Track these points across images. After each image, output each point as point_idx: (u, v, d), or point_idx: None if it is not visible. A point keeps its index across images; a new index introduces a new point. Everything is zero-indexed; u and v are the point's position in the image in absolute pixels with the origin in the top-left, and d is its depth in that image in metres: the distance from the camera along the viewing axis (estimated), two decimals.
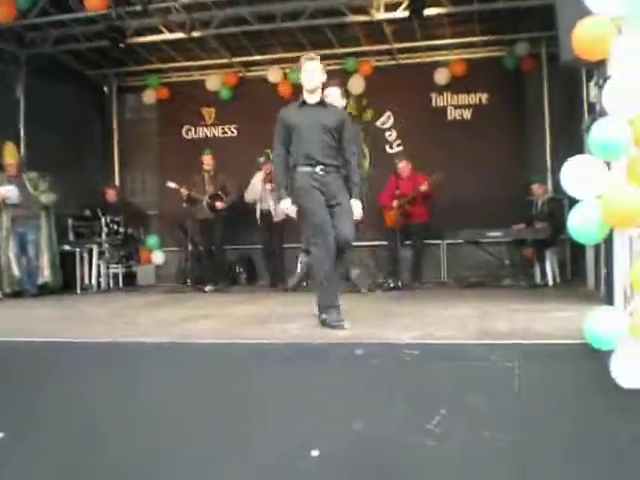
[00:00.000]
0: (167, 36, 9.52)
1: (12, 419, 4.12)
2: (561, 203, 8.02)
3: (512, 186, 9.20)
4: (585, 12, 3.46)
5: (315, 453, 3.67)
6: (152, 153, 11.31)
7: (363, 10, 8.77)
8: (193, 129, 11.15)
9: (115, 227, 9.68)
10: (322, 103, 4.92)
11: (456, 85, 10.11)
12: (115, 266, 9.80)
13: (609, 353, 3.35)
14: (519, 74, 9.88)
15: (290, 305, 6.42)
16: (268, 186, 8.97)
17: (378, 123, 10.41)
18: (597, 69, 4.07)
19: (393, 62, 10.33)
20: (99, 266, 9.44)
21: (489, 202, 9.03)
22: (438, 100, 10.29)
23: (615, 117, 3.34)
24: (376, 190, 8.39)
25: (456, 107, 10.21)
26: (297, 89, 9.61)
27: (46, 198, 8.28)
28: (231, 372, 3.92)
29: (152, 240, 10.73)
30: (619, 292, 3.52)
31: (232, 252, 10.09)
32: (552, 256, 8.28)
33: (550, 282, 8.12)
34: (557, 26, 4.23)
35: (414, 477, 3.64)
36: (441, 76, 10.08)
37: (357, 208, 4.92)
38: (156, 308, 6.73)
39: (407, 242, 8.92)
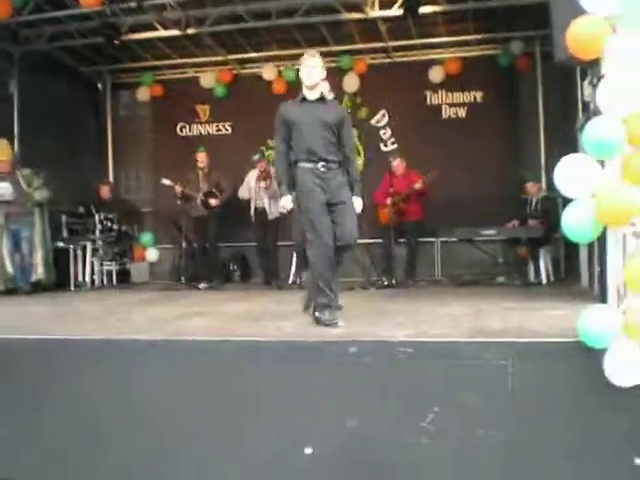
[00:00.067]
0: (162, 33, 9.49)
1: (5, 417, 4.12)
2: (555, 202, 8.02)
3: (506, 184, 9.21)
4: (579, 11, 3.47)
5: (308, 451, 3.67)
6: (146, 150, 11.28)
7: (358, 8, 8.76)
8: (187, 126, 11.11)
9: (109, 224, 9.66)
10: (322, 99, 4.90)
11: (451, 83, 10.10)
12: (109, 263, 9.77)
13: (602, 351, 3.36)
14: (513, 72, 9.88)
15: (284, 303, 6.42)
16: (262, 184, 8.97)
17: (373, 121, 10.40)
18: (591, 68, 4.07)
19: (388, 60, 10.33)
20: (93, 263, 9.42)
21: (483, 200, 9.03)
22: (433, 98, 10.28)
23: (609, 116, 3.35)
24: (370, 188, 8.39)
25: (451, 105, 10.21)
26: (291, 87, 9.70)
27: (40, 195, 8.25)
28: (225, 370, 3.93)
29: (146, 237, 10.70)
30: (612, 290, 3.53)
31: (226, 249, 10.07)
32: (546, 254, 8.29)
33: (544, 280, 8.13)
34: (551, 25, 4.23)
35: (408, 475, 3.65)
36: (436, 74, 10.08)
37: (358, 204, 4.93)
38: (150, 305, 6.72)
39: (401, 240, 8.92)
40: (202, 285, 8.92)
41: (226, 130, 10.99)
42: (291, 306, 5.77)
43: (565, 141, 7.92)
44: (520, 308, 5.36)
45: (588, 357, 3.42)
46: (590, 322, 3.37)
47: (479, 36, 9.76)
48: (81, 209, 9.63)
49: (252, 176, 9.20)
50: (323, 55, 4.98)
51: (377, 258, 9.24)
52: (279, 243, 9.15)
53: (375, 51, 10.29)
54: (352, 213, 4.82)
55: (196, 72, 11.00)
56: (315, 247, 4.67)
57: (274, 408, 3.80)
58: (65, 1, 8.55)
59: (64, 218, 9.26)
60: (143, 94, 11.09)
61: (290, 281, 8.95)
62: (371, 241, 9.03)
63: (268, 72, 10.49)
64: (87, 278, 9.28)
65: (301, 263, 8.52)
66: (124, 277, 10.10)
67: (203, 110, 11.05)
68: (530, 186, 8.62)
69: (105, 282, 9.68)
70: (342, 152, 4.88)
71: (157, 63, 10.86)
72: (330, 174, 4.76)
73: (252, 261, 10.20)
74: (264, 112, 9.68)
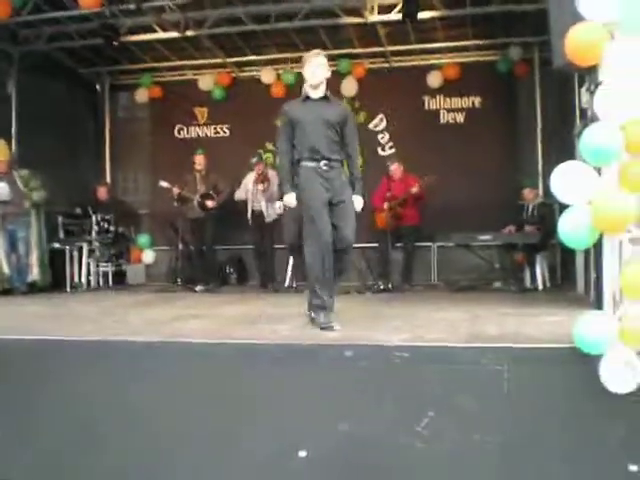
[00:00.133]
0: (161, 35, 9.49)
1: (0, 417, 4.11)
2: (552, 208, 8.03)
3: (503, 190, 9.22)
4: (578, 18, 3.48)
5: (302, 454, 3.67)
6: (144, 152, 11.27)
7: (357, 12, 8.79)
8: (185, 128, 11.11)
9: (106, 225, 9.66)
10: (326, 98, 4.89)
11: (449, 88, 10.12)
12: (105, 264, 9.75)
13: (598, 357, 3.37)
14: (512, 78, 9.91)
15: (280, 306, 6.42)
16: (260, 187, 8.96)
17: (371, 125, 10.41)
18: (589, 74, 4.09)
19: (386, 65, 10.34)
20: (89, 264, 9.40)
21: (481, 206, 9.05)
22: (431, 103, 10.30)
23: (607, 123, 3.36)
24: (368, 192, 8.38)
25: (449, 110, 10.23)
26: (290, 90, 9.71)
27: (37, 195, 8.24)
28: (221, 372, 3.92)
29: (143, 239, 10.69)
30: (608, 297, 3.54)
31: (223, 252, 10.06)
32: (542, 260, 8.29)
33: (540, 286, 8.13)
34: (550, 31, 4.25)
35: (403, 478, 3.65)
36: (434, 79, 10.10)
37: (359, 203, 4.93)
38: (146, 307, 6.72)
39: (398, 244, 8.92)
40: (198, 287, 8.91)
41: (224, 133, 10.99)
42: (287, 309, 5.77)
43: (562, 147, 7.94)
44: (516, 314, 5.36)
45: (584, 363, 3.42)
46: (586, 328, 3.38)
47: (478, 42, 9.77)
48: (78, 210, 9.62)
49: (250, 179, 9.19)
50: None
51: (373, 262, 9.25)
52: (276, 246, 9.14)
53: (374, 56, 10.30)
54: (352, 213, 4.83)
55: (195, 74, 11.00)
56: (313, 245, 4.66)
57: (270, 411, 3.80)
58: (64, 2, 8.55)
59: (60, 219, 9.27)
60: (141, 96, 11.09)
61: (286, 284, 8.95)
62: (368, 245, 9.03)
63: (267, 75, 10.49)
64: (83, 279, 9.25)
65: (297, 266, 8.55)
66: (120, 278, 10.09)
67: (201, 112, 11.04)
68: (527, 192, 8.62)
69: (101, 283, 9.66)
70: (345, 151, 4.89)
71: (156, 65, 10.85)
72: (333, 173, 4.77)
73: (249, 264, 10.18)
74: (262, 115, 9.86)
